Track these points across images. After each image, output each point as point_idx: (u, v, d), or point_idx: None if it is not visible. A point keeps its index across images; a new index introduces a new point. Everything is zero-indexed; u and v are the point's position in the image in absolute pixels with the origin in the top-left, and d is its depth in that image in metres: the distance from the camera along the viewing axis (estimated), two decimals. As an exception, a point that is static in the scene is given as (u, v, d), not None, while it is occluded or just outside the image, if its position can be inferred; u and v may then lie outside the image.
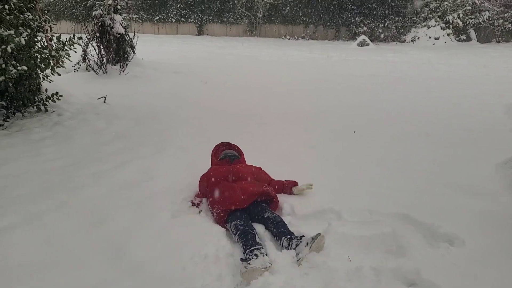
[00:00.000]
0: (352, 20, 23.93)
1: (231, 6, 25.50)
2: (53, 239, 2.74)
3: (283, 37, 25.16)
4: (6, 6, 4.88)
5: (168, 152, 4.67)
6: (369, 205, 3.31)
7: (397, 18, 23.58)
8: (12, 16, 4.95)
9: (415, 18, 23.41)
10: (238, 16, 25.68)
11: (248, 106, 7.12)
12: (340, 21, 24.19)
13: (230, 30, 26.16)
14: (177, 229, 2.91)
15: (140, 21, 25.76)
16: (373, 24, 23.61)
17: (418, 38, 22.45)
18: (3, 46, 4.83)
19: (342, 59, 14.94)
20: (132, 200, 3.35)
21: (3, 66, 4.92)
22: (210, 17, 25.91)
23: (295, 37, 25.03)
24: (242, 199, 3.06)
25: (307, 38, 24.92)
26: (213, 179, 3.35)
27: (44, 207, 3.17)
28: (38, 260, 2.51)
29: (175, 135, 5.36)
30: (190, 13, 25.78)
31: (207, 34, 26.31)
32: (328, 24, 24.48)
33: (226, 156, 3.69)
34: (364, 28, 23.42)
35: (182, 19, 25.93)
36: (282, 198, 3.42)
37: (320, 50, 18.42)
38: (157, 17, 25.94)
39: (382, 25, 23.57)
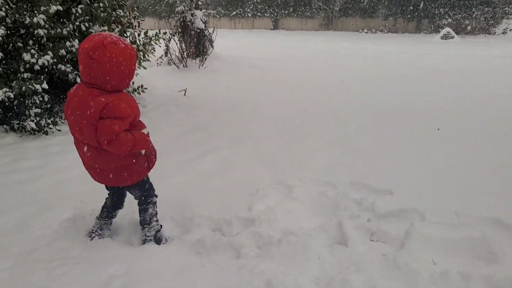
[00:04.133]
0: (436, 12, 22.56)
1: (307, 0, 25.27)
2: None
3: (360, 30, 24.42)
4: (101, 4, 5.25)
5: (245, 143, 4.77)
6: (456, 207, 3.11)
7: (486, 9, 21.83)
8: (105, 14, 5.31)
9: (507, 8, 21.51)
10: (314, 10, 25.38)
11: (323, 100, 7.02)
12: (422, 13, 22.94)
13: (306, 24, 25.93)
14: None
15: (217, 16, 26.43)
16: (459, 16, 22.07)
17: (511, 30, 20.62)
18: (98, 41, 5.20)
19: (423, 52, 14.17)
20: (215, 188, 3.47)
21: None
22: (286, 11, 25.89)
23: (373, 30, 24.18)
24: None
25: (385, 31, 23.98)
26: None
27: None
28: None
29: (251, 127, 5.45)
30: (266, 7, 25.96)
31: (282, 29, 26.33)
32: (409, 16, 23.33)
33: None
34: (449, 20, 21.98)
35: (258, 13, 26.19)
36: (360, 194, 3.35)
37: (400, 43, 17.62)
38: (234, 12, 26.46)
39: (469, 16, 21.95)
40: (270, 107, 6.57)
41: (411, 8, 23.04)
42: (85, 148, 2.34)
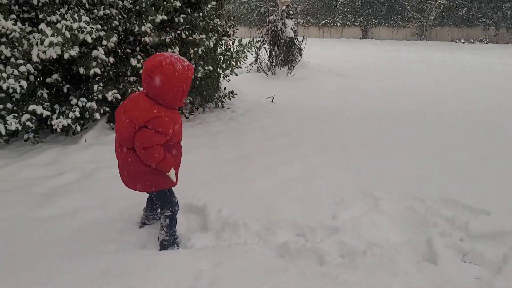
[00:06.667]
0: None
1: (400, 8, 24.41)
2: (229, 221, 3.05)
3: (456, 40, 23.00)
4: (201, 14, 5.59)
5: (331, 152, 4.75)
6: None
7: None
8: (204, 23, 5.64)
9: None
10: (406, 19, 24.46)
11: (413, 111, 6.75)
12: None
13: (397, 33, 25.08)
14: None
15: (306, 25, 26.58)
16: None
17: None
18: (196, 49, 5.55)
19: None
20: (299, 194, 3.52)
21: (194, 66, 5.65)
22: (377, 20, 25.28)
23: (471, 40, 22.64)
24: None
25: (485, 42, 22.32)
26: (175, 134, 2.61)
27: (221, 194, 3.55)
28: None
29: (338, 136, 5.42)
30: (356, 16, 25.57)
31: (372, 38, 25.72)
32: (514, 25, 21.51)
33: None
34: None
35: (348, 22, 25.88)
36: (452, 212, 3.18)
37: (502, 54, 16.29)
38: (323, 21, 26.41)
39: None
40: (357, 116, 6.47)
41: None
42: (123, 150, 2.51)
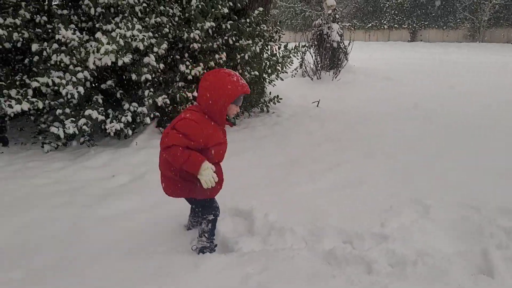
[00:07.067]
0: None
1: (451, 9, 23.54)
2: (276, 226, 3.07)
3: (513, 41, 21.88)
4: (248, 20, 5.67)
5: (378, 157, 4.66)
6: None
7: None
8: (251, 28, 5.71)
9: None
10: (458, 20, 23.55)
11: (468, 116, 6.48)
12: None
13: (448, 35, 24.22)
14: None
15: (352, 28, 26.22)
16: None
17: None
18: (242, 54, 5.62)
19: None
20: (346, 200, 3.48)
21: (240, 71, 5.72)
22: (426, 22, 24.53)
23: (530, 41, 21.46)
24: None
25: (546, 42, 21.08)
26: (215, 146, 2.56)
27: (267, 198, 3.57)
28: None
29: (385, 141, 5.30)
30: (404, 18, 24.94)
31: (421, 40, 24.99)
32: None
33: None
34: None
35: (395, 25, 25.30)
36: (511, 222, 3.02)
37: None
38: (369, 24, 25.97)
39: None
40: (405, 121, 6.30)
41: None
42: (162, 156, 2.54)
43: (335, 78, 9.91)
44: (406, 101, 7.87)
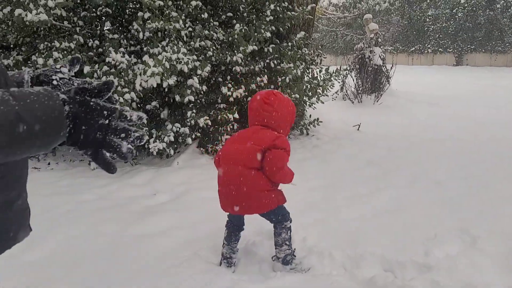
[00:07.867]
0: None
1: (499, 33, 22.83)
2: (314, 250, 3.01)
3: None
4: (290, 43, 5.74)
5: (422, 185, 4.50)
6: None
7: None
8: (292, 52, 5.78)
9: None
10: (507, 44, 22.76)
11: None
12: None
13: (496, 60, 23.43)
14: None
15: (394, 52, 25.91)
16: None
17: None
18: (283, 77, 5.68)
19: None
20: (387, 227, 3.37)
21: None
22: (472, 46, 23.87)
23: None
24: None
25: None
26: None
27: (305, 220, 3.52)
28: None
29: (429, 168, 5.12)
30: (449, 42, 24.41)
31: (467, 65, 24.28)
32: None
33: None
34: None
35: (440, 49, 24.77)
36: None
37: None
38: (413, 48, 25.59)
39: None
40: (451, 148, 6.08)
41: None
42: (240, 171, 2.56)
43: (377, 101, 9.78)
44: (452, 127, 7.63)
